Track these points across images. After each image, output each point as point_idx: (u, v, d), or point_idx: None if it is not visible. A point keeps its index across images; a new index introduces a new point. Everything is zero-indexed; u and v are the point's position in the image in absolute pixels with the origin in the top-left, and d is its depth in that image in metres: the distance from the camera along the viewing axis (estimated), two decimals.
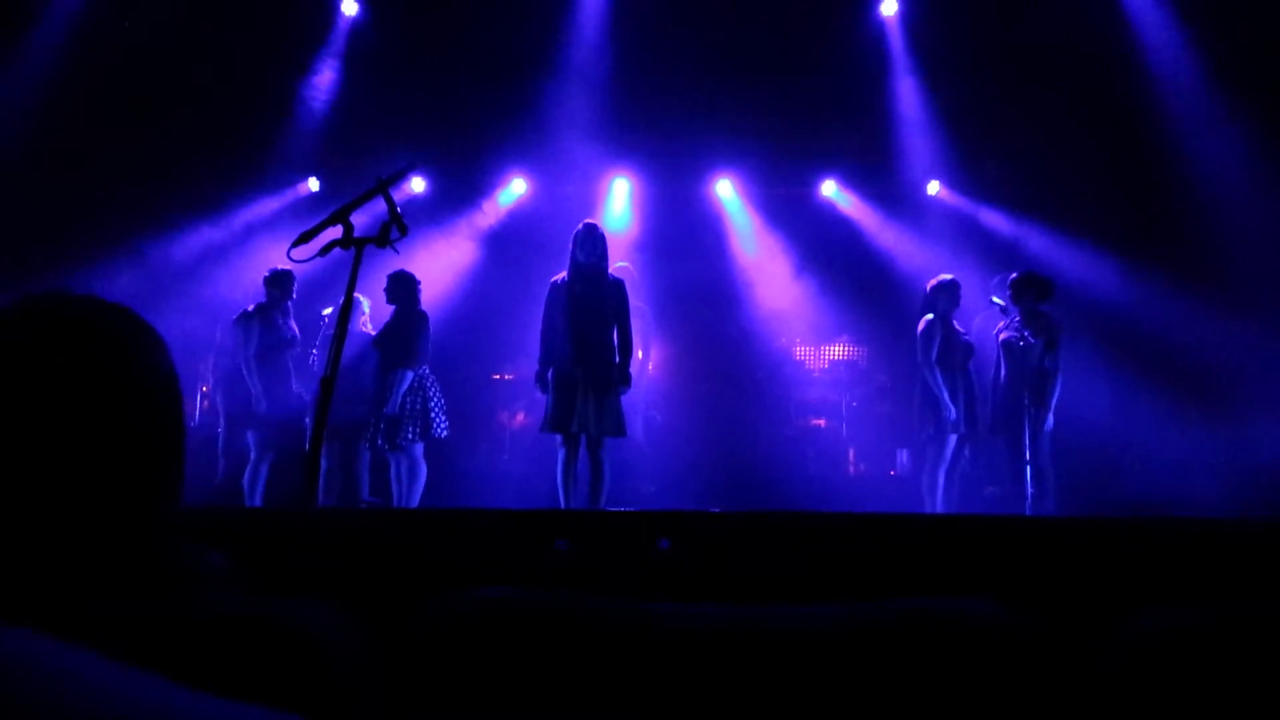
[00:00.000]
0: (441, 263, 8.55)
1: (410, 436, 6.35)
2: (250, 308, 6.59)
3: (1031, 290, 6.32)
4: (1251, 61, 7.49)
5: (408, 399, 6.35)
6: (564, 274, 5.96)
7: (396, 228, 3.64)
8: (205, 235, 8.59)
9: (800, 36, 8.16)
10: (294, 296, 6.72)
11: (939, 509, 6.31)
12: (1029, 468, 6.03)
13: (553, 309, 5.93)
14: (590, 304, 5.84)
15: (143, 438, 0.93)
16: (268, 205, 8.93)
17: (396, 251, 3.77)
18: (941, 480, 6.39)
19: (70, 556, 0.91)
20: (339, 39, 8.76)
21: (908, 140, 8.88)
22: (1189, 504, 6.04)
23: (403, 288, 6.48)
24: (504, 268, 8.70)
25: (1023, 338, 6.19)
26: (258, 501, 6.40)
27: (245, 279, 7.81)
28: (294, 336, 6.69)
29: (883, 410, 8.55)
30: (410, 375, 6.34)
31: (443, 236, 8.87)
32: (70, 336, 0.90)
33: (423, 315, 6.48)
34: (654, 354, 7.95)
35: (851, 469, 8.48)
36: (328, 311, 7.03)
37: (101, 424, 0.90)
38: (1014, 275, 6.47)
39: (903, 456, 8.28)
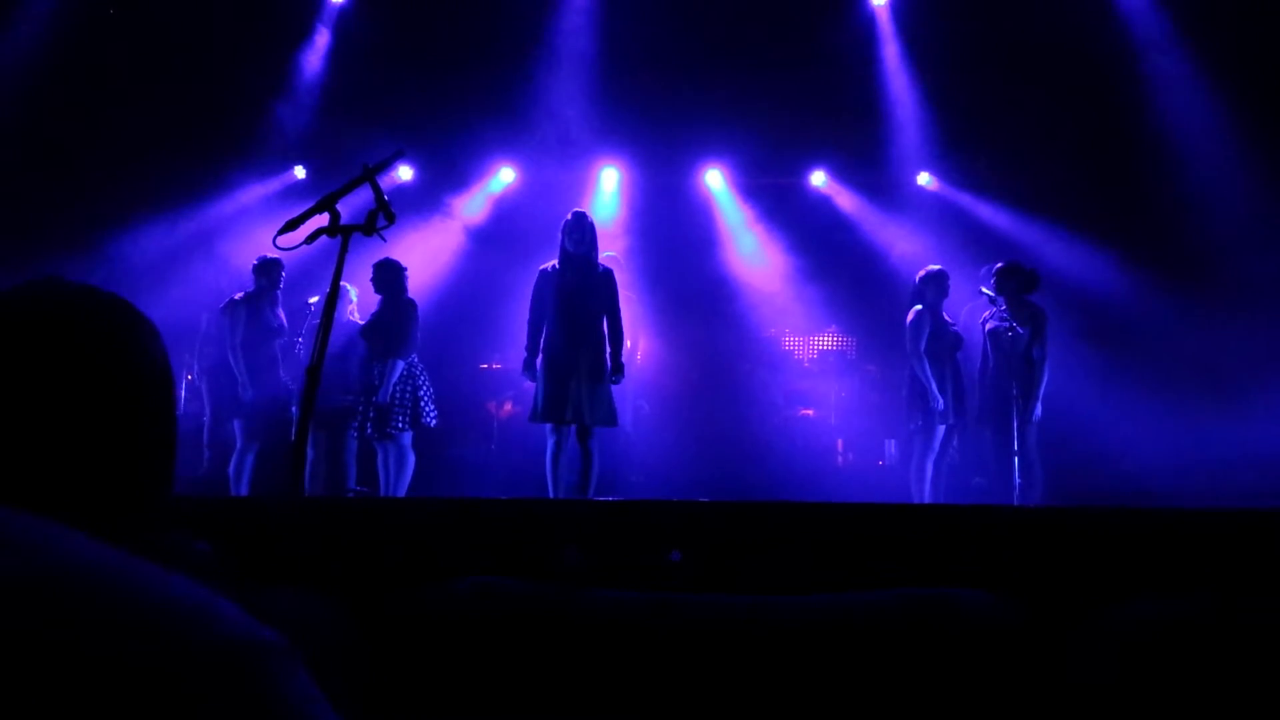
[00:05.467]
0: (428, 250, 8.50)
1: (400, 425, 6.33)
2: (237, 296, 6.56)
3: (1017, 280, 6.34)
4: (1240, 52, 7.52)
5: (397, 388, 6.33)
6: (553, 263, 5.94)
7: (384, 215, 3.61)
8: (190, 223, 8.52)
9: (790, 25, 8.16)
10: (282, 285, 6.69)
11: (927, 499, 6.33)
12: (1016, 458, 6.04)
13: (541, 297, 5.91)
14: (580, 293, 5.82)
15: (135, 427, 0.93)
16: (254, 192, 8.86)
17: (384, 239, 3.75)
18: (930, 470, 6.41)
19: None
20: (326, 25, 8.71)
21: (898, 131, 8.87)
22: (1177, 494, 6.07)
23: (389, 276, 6.44)
24: (491, 256, 8.66)
25: (1010, 328, 6.20)
26: (244, 491, 6.37)
27: (231, 267, 7.76)
28: (281, 325, 6.66)
29: (871, 400, 8.55)
30: (402, 364, 6.32)
31: (430, 224, 8.82)
32: (64, 324, 0.90)
33: (411, 303, 6.46)
34: (642, 344, 7.93)
35: (840, 459, 8.48)
36: (314, 300, 7.00)
37: (94, 412, 0.90)
38: (1000, 265, 6.48)
39: (891, 447, 8.29)
